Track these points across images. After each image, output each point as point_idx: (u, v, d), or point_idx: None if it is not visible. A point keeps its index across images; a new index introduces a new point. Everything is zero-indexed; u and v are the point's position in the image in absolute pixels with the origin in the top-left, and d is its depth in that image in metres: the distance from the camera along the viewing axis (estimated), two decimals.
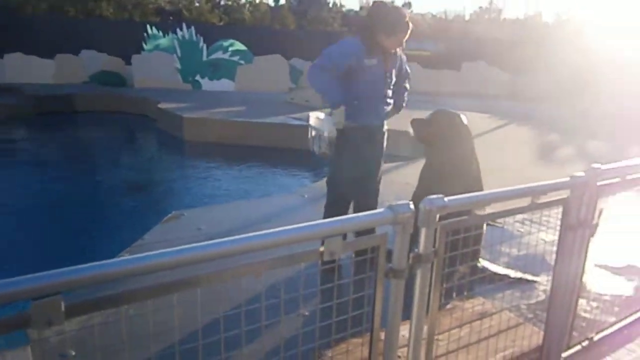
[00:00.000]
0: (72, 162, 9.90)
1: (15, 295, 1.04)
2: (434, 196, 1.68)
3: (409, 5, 43.85)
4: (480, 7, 46.41)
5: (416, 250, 1.69)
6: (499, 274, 3.50)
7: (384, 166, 3.89)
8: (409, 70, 3.98)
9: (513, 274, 3.78)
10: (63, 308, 1.08)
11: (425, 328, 1.83)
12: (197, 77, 16.93)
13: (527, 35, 18.84)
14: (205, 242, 1.31)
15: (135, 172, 9.46)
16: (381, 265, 1.58)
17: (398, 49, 3.71)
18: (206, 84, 16.98)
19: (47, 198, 7.51)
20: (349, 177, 3.62)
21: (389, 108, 3.78)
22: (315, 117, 3.73)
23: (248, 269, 1.37)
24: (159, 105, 12.40)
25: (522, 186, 2.04)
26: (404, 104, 3.93)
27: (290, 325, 2.06)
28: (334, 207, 3.71)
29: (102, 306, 1.14)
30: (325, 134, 3.48)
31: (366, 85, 3.52)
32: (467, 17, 45.12)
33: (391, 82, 3.70)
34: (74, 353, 2.80)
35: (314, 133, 3.70)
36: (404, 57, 3.92)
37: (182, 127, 10.93)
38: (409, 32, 3.62)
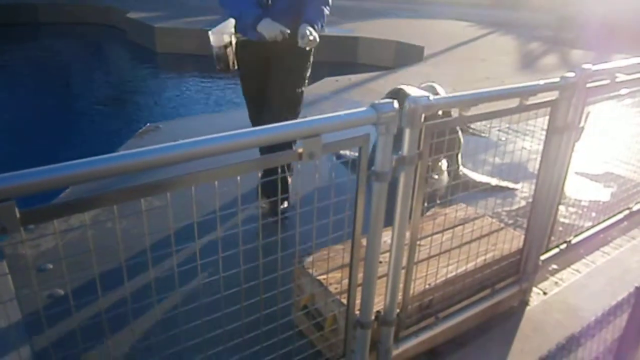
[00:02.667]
0: (39, 76, 9.43)
1: None
2: (419, 94, 1.57)
3: None
4: None
5: (400, 152, 1.60)
6: (481, 182, 3.47)
7: (358, 78, 3.50)
8: None
9: (494, 182, 3.78)
10: (18, 214, 0.98)
11: (408, 233, 1.79)
12: None
13: None
14: (180, 142, 1.21)
15: (107, 85, 9.09)
16: (363, 168, 1.50)
17: None
18: None
19: (14, 114, 7.21)
20: (247, 102, 3.33)
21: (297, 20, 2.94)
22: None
23: (225, 171, 1.27)
24: (128, 15, 11.72)
25: (511, 86, 1.94)
26: (319, 22, 2.97)
27: (269, 230, 2.01)
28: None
29: (60, 213, 1.05)
30: (214, 50, 3.00)
31: None
32: None
33: None
34: (51, 266, 2.76)
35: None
36: None
37: (153, 38, 10.41)
38: None
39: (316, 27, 2.91)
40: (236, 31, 3.00)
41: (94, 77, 9.59)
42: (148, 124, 5.08)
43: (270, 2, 2.91)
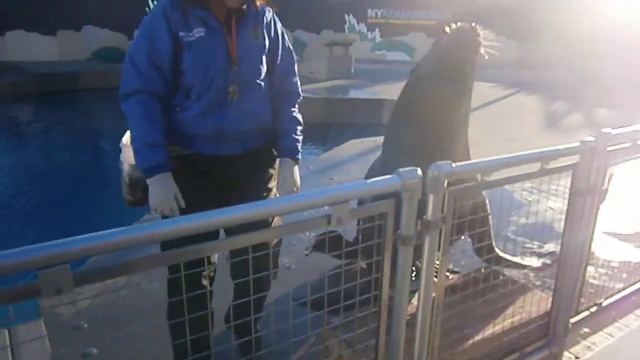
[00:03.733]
0: (79, 140, 9.91)
1: (23, 265, 1.04)
2: (442, 162, 1.65)
3: None
4: None
5: (424, 217, 1.67)
6: (522, 264, 3.30)
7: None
8: (290, 47, 2.27)
9: (535, 262, 3.60)
10: (71, 276, 1.08)
11: (434, 294, 1.83)
12: None
13: (534, 2, 18.44)
14: (211, 211, 1.30)
15: None
16: (389, 232, 1.57)
17: (258, 2, 2.11)
18: None
19: (59, 176, 7.56)
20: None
21: (253, 121, 2.15)
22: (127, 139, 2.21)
23: (257, 237, 1.36)
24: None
25: (532, 151, 2.02)
26: (299, 146, 2.25)
27: (299, 293, 2.07)
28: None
29: (109, 275, 1.14)
30: (125, 168, 2.18)
31: (193, 78, 2.01)
32: None
33: (249, 67, 2.09)
34: (86, 325, 2.84)
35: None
36: (277, 21, 2.22)
37: None
38: None
39: (299, 160, 2.25)
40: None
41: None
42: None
43: (236, 97, 2.05)
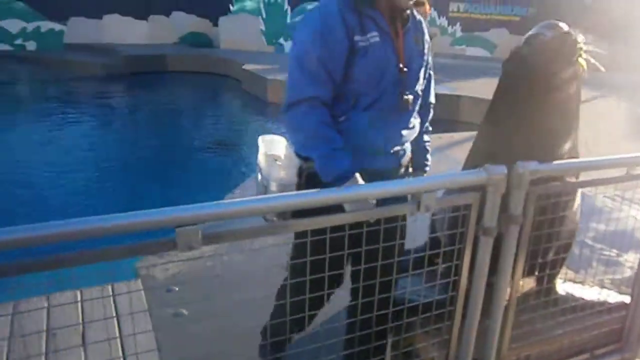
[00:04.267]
0: (163, 119, 10.54)
1: (165, 222, 1.25)
2: (528, 161, 1.74)
3: None
4: None
5: (507, 211, 1.76)
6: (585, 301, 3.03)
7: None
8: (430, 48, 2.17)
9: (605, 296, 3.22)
10: (200, 236, 1.28)
11: (509, 290, 1.92)
12: (281, 40, 17.17)
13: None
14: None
15: (222, 130, 9.94)
16: (472, 223, 1.68)
17: (427, 6, 2.10)
18: (289, 46, 17.18)
19: (146, 152, 8.12)
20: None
21: (412, 133, 2.06)
22: (265, 152, 2.07)
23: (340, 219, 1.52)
24: (244, 67, 12.77)
25: (618, 156, 2.04)
26: (429, 126, 2.28)
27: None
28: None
29: (232, 237, 1.34)
30: (273, 187, 1.90)
31: (365, 85, 1.87)
32: None
33: (414, 75, 1.99)
34: (177, 289, 3.13)
35: (260, 178, 2.06)
36: (425, 25, 2.16)
37: (265, 89, 11.24)
38: None
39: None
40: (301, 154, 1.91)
41: (209, 122, 10.51)
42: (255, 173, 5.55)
43: (410, 106, 1.95)
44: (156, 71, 14.16)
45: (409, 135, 2.01)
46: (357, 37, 1.80)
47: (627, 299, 2.51)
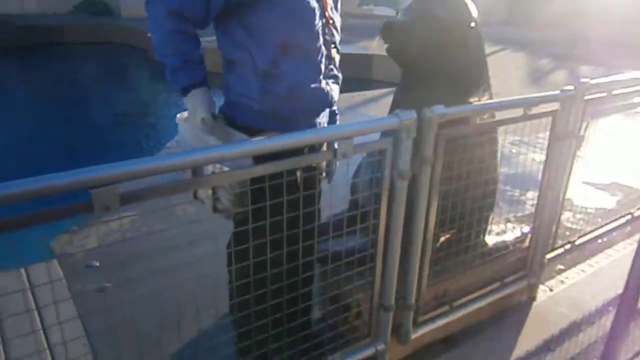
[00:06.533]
0: (65, 93, 9.87)
1: (79, 183, 1.20)
2: (436, 106, 1.83)
3: None
4: None
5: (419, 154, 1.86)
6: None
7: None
8: None
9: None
10: (118, 196, 1.25)
11: (422, 225, 2.04)
12: None
13: None
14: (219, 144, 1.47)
15: (130, 102, 9.49)
16: (387, 166, 1.76)
17: None
18: None
19: (52, 131, 7.61)
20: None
21: (336, 88, 2.02)
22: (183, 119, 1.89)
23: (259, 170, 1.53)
24: (149, 35, 12.14)
25: (515, 97, 2.20)
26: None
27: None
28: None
29: (150, 195, 1.32)
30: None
31: (289, 27, 1.76)
32: None
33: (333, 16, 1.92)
34: (98, 264, 3.03)
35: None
36: None
37: None
38: None
39: None
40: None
41: (115, 94, 9.98)
42: (174, 139, 5.40)
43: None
44: (52, 42, 13.14)
45: None
46: None
47: (528, 232, 2.75)
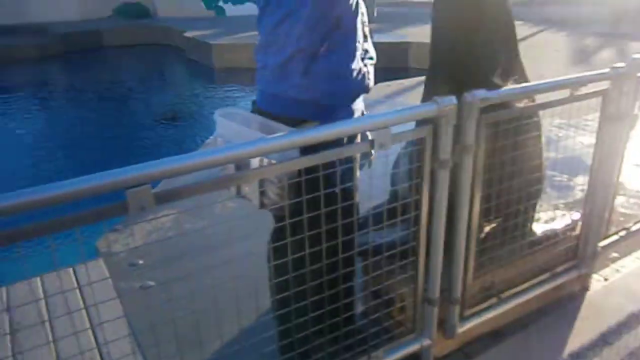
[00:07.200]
0: (108, 96, 10.12)
1: (115, 184, 1.19)
2: (477, 90, 1.74)
3: None
4: None
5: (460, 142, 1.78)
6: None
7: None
8: None
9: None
10: (153, 196, 1.24)
11: (466, 215, 1.95)
12: (220, 3, 16.61)
13: None
14: (260, 138, 1.44)
15: (170, 101, 9.64)
16: (427, 156, 1.69)
17: None
18: (230, 9, 16.66)
19: (98, 131, 7.83)
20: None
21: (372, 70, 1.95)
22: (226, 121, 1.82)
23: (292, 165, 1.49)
24: (186, 34, 12.33)
25: (561, 78, 2.08)
26: None
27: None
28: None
29: (185, 194, 1.29)
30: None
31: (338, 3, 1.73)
32: None
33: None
34: (141, 262, 3.08)
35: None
36: None
37: (211, 55, 10.93)
38: None
39: None
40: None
41: (155, 94, 10.17)
42: (212, 136, 5.43)
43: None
44: (92, 48, 13.48)
45: None
46: None
47: (579, 219, 2.61)
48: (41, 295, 2.77)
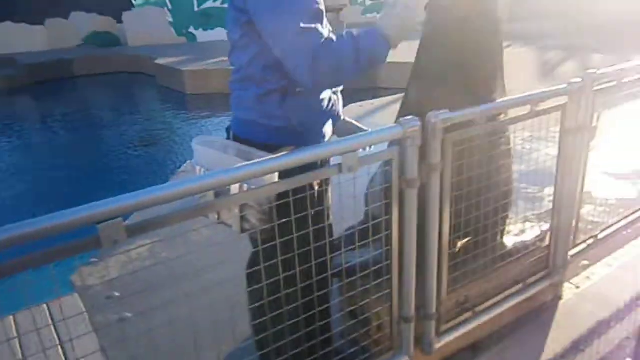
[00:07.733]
0: (81, 125, 10.03)
1: (85, 219, 1.20)
2: (440, 110, 1.80)
3: None
4: None
5: (427, 161, 1.83)
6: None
7: None
8: None
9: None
10: (124, 228, 1.25)
11: (436, 232, 2.00)
12: (191, 29, 16.70)
13: None
14: (237, 166, 1.47)
15: (143, 128, 9.60)
16: (395, 176, 1.73)
17: None
18: (201, 35, 16.76)
19: (68, 161, 7.73)
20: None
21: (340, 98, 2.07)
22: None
23: (269, 190, 1.52)
24: (157, 62, 12.34)
25: (522, 95, 2.16)
26: None
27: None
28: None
29: (157, 226, 1.31)
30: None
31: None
32: None
33: None
34: (118, 294, 3.04)
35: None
36: None
37: (183, 81, 10.94)
38: None
39: None
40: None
41: (130, 121, 10.11)
42: (188, 162, 5.43)
43: None
44: (63, 77, 13.38)
45: None
46: None
47: (548, 229, 2.69)
48: (14, 334, 2.71)
